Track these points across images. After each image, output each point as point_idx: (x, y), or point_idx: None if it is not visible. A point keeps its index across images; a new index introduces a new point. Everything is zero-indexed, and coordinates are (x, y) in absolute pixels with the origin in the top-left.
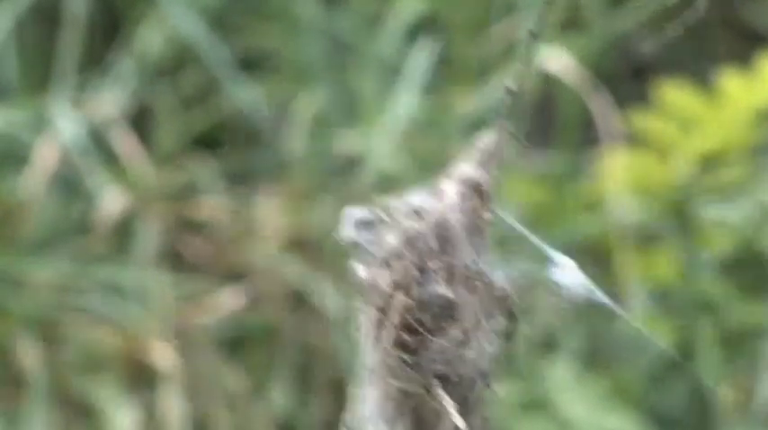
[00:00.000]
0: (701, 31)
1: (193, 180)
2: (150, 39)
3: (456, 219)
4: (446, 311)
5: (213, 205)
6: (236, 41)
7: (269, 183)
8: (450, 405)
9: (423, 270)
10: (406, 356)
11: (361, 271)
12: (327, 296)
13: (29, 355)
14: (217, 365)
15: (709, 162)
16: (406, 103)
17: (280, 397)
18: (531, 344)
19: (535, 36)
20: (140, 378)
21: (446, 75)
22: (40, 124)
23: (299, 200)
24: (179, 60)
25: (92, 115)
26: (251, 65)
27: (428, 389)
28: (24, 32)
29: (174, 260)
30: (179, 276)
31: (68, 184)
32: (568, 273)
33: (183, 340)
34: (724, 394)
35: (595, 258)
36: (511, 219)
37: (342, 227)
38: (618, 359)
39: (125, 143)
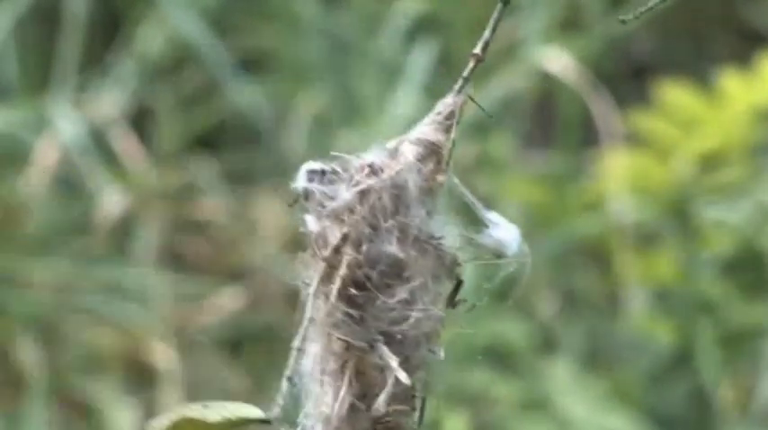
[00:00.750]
0: (701, 31)
1: (193, 180)
2: (150, 39)
3: (412, 180)
4: (395, 270)
5: (213, 205)
6: (236, 41)
7: (269, 183)
8: (393, 360)
9: (375, 227)
10: (351, 311)
11: (312, 222)
12: None
13: (29, 355)
14: (217, 365)
15: (709, 162)
16: (406, 103)
17: (280, 397)
18: (531, 343)
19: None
20: (140, 378)
21: (446, 75)
22: (40, 124)
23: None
24: (179, 60)
25: (92, 115)
26: (251, 65)
27: (371, 346)
28: (24, 32)
29: (174, 260)
30: (179, 276)
31: (68, 184)
32: (503, 230)
33: (183, 340)
34: (724, 394)
35: (595, 258)
36: (455, 181)
37: (297, 177)
38: (618, 359)
39: (125, 143)
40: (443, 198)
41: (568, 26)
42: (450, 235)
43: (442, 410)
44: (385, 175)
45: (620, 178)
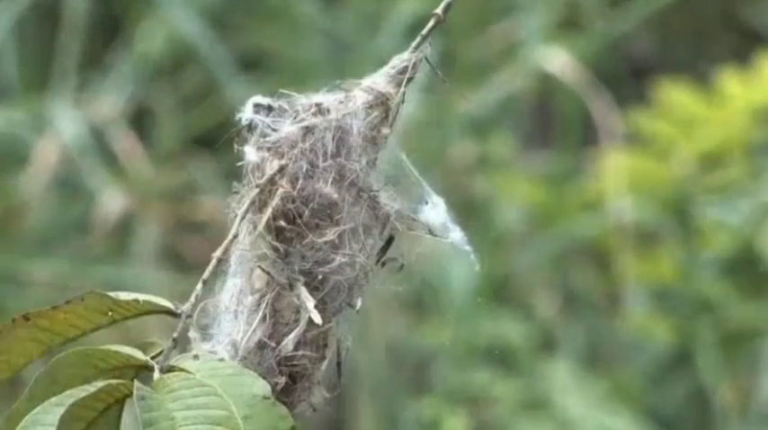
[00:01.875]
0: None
1: (193, 180)
2: (150, 39)
3: (356, 126)
4: (326, 210)
5: (213, 205)
6: (236, 41)
7: None
8: (309, 301)
9: (313, 164)
10: (277, 244)
11: (251, 153)
12: None
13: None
14: None
15: (709, 162)
16: (406, 102)
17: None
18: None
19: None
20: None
21: (446, 75)
22: (40, 124)
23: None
24: (179, 60)
25: (92, 115)
26: (251, 65)
27: (291, 284)
28: (24, 32)
29: (174, 260)
30: (179, 276)
31: (68, 184)
32: (437, 212)
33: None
34: (724, 394)
35: (595, 258)
36: (400, 154)
37: (243, 110)
38: (618, 359)
39: (125, 143)
40: (386, 167)
41: (568, 26)
42: (387, 194)
43: (442, 410)
44: (331, 116)
45: (619, 178)
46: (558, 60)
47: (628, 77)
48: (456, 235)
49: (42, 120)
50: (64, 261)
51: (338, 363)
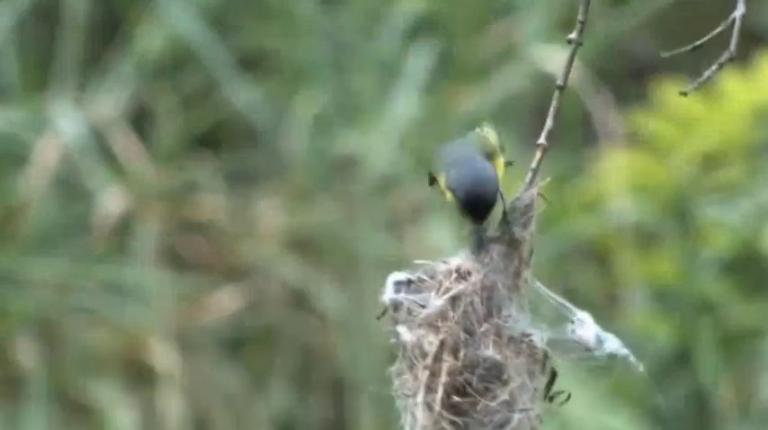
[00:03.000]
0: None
1: (193, 180)
2: (150, 39)
3: (500, 280)
4: (493, 372)
5: (213, 205)
6: (236, 41)
7: (269, 183)
8: None
9: (469, 331)
10: (456, 419)
11: (405, 332)
12: (327, 296)
13: (29, 355)
14: (217, 365)
15: (709, 162)
16: (405, 102)
17: (279, 397)
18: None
19: None
20: (140, 378)
21: (446, 75)
22: (41, 124)
23: (299, 200)
24: (179, 60)
25: (92, 115)
26: (251, 65)
27: None
28: (24, 32)
29: (174, 260)
30: (179, 276)
31: (68, 184)
32: (586, 327)
33: (183, 340)
34: (724, 394)
35: (595, 258)
36: (533, 282)
37: (384, 290)
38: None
39: (125, 143)
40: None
41: (568, 26)
42: (534, 327)
43: None
44: (473, 278)
45: (619, 178)
46: (558, 60)
47: (628, 77)
48: (611, 343)
49: (42, 120)
50: (64, 261)
51: None
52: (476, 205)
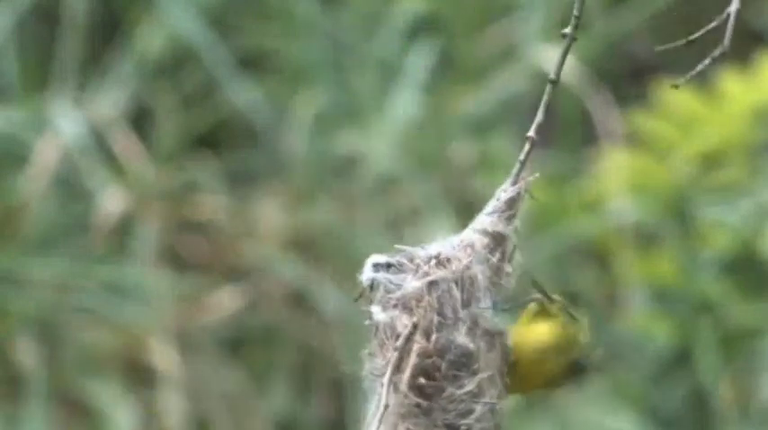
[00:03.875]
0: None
1: (193, 180)
2: (150, 39)
3: (481, 272)
4: (464, 360)
5: (213, 205)
6: (236, 41)
7: (269, 183)
8: None
9: (444, 316)
10: (420, 401)
11: (379, 312)
12: (327, 296)
13: (29, 355)
14: (217, 365)
15: (709, 162)
16: (405, 102)
17: (279, 397)
18: None
19: None
20: (140, 378)
21: (446, 75)
22: (40, 124)
23: (299, 200)
24: (179, 60)
25: (92, 115)
26: (251, 65)
27: None
28: (24, 32)
29: (174, 260)
30: (179, 276)
31: (68, 184)
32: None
33: (183, 340)
34: (723, 394)
35: (595, 258)
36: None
37: (363, 270)
38: (618, 359)
39: (125, 143)
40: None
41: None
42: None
43: None
44: (453, 267)
45: (619, 178)
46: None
47: (628, 77)
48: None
49: (42, 120)
50: (64, 261)
51: None
52: None
